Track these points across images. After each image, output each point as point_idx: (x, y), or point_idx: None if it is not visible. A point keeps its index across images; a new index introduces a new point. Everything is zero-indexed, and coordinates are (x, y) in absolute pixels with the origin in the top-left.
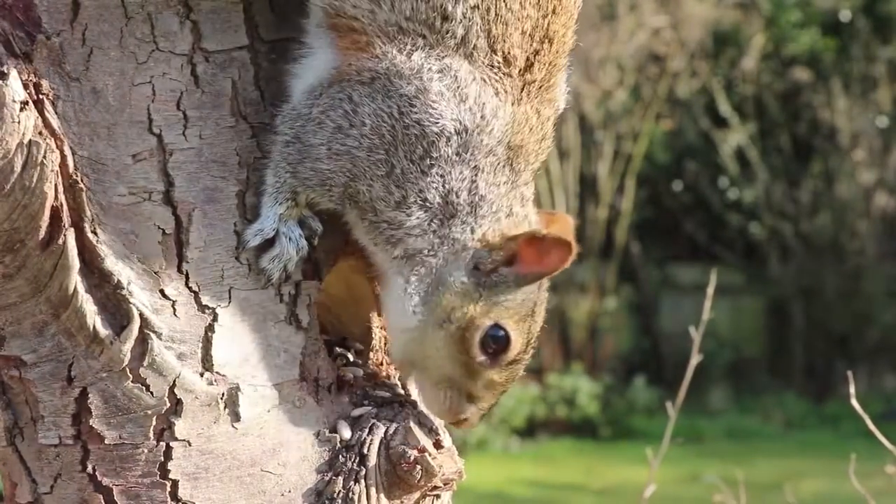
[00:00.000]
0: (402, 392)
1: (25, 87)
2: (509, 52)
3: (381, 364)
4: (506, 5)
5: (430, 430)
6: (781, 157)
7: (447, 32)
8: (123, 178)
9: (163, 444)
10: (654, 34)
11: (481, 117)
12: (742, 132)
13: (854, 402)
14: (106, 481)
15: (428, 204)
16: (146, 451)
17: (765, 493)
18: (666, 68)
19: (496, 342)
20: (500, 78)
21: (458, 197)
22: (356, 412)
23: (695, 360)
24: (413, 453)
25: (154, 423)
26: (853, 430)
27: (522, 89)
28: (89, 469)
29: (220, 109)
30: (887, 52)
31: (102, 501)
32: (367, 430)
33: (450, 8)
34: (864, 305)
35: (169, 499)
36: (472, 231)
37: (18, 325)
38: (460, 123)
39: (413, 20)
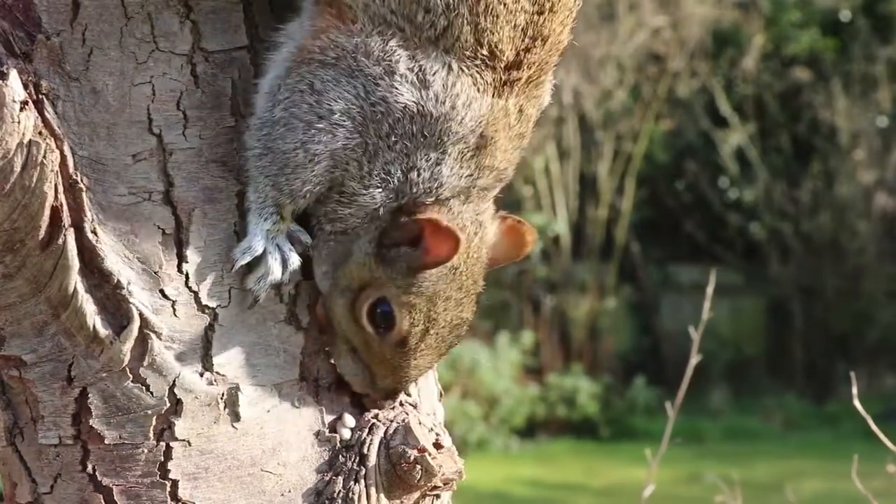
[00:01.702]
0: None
1: (25, 86)
2: (496, 46)
3: None
4: None
5: (430, 430)
6: (781, 157)
7: (429, 25)
8: (123, 178)
9: (163, 444)
10: (653, 34)
11: (451, 107)
12: (742, 132)
13: (856, 403)
14: (106, 481)
15: (389, 179)
16: (146, 451)
17: (765, 494)
18: (666, 68)
19: (383, 319)
20: (482, 70)
21: (418, 176)
22: (356, 412)
23: (695, 360)
24: (413, 453)
25: (154, 422)
26: (853, 431)
27: (506, 84)
28: (89, 469)
29: (220, 109)
30: (887, 52)
31: (102, 501)
32: (366, 430)
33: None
34: (864, 305)
35: (169, 499)
36: (387, 203)
37: (18, 324)
38: (424, 108)
39: (397, 13)
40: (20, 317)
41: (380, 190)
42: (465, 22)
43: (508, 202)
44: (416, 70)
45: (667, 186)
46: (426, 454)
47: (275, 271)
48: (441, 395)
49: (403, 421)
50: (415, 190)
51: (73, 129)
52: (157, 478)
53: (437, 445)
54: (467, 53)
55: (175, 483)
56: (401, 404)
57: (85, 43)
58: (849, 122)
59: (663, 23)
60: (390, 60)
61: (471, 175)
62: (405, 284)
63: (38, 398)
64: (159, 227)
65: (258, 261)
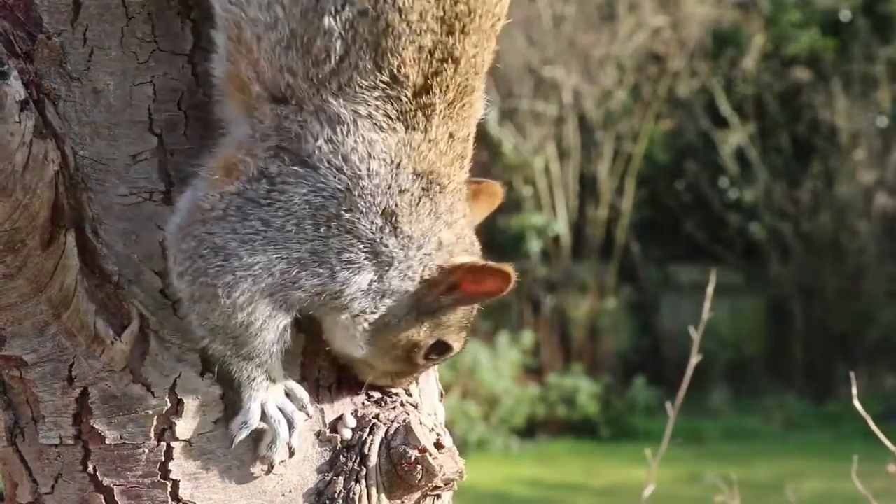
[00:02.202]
0: (402, 392)
1: (26, 86)
2: (399, 71)
3: None
4: (400, 15)
5: (431, 430)
6: (781, 157)
7: (324, 56)
8: (124, 178)
9: (163, 444)
10: (654, 34)
11: (351, 172)
12: (742, 132)
13: (856, 403)
14: (107, 481)
15: (354, 264)
16: (147, 451)
17: (765, 494)
18: (666, 68)
19: (439, 352)
20: (384, 102)
21: (385, 246)
22: (357, 412)
23: (695, 360)
24: (414, 453)
25: (155, 423)
26: (853, 431)
27: (418, 113)
28: (90, 469)
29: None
30: (887, 52)
31: (103, 501)
32: (367, 431)
33: (327, 21)
34: (864, 305)
35: (170, 499)
36: (411, 279)
37: (19, 325)
38: (324, 192)
39: (294, 58)
40: (21, 317)
41: (352, 275)
42: (365, 44)
43: (509, 202)
44: (294, 160)
45: (667, 186)
46: (427, 454)
47: (282, 434)
48: (442, 395)
49: (404, 421)
50: (394, 255)
51: (74, 128)
52: (158, 478)
53: (438, 445)
54: (366, 83)
55: (176, 483)
56: (401, 404)
57: (86, 43)
58: (849, 122)
59: (663, 23)
60: (266, 168)
61: (430, 212)
62: (454, 319)
63: (38, 398)
64: (160, 227)
65: (260, 430)
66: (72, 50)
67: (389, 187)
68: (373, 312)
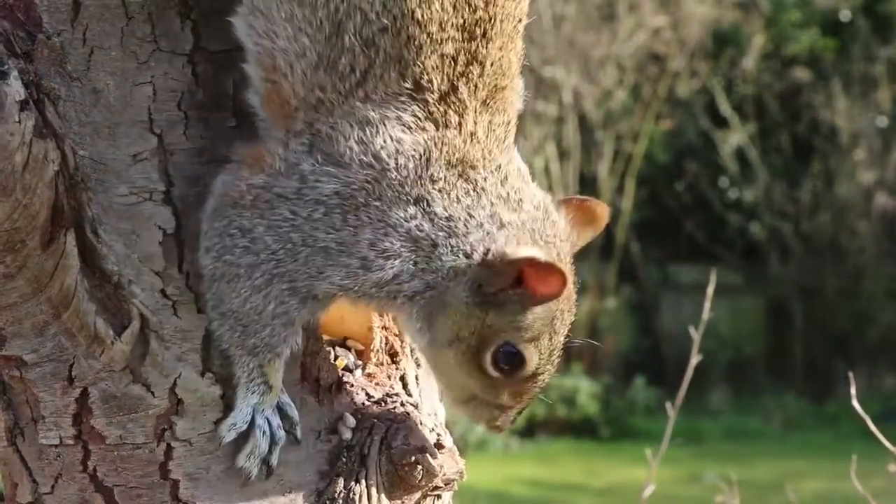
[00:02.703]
0: (402, 392)
1: (26, 86)
2: (421, 78)
3: (382, 364)
4: (420, 28)
5: (431, 430)
6: (781, 157)
7: (349, 70)
8: (124, 178)
9: (164, 443)
10: (654, 34)
11: (379, 162)
12: (742, 132)
13: (855, 403)
14: (107, 481)
15: (389, 252)
16: (147, 451)
17: (765, 494)
18: (666, 68)
19: (509, 361)
20: (410, 106)
21: (420, 231)
22: (357, 412)
23: (695, 360)
24: (414, 453)
25: (155, 422)
26: (853, 431)
27: (448, 112)
28: (90, 469)
29: (221, 109)
30: (887, 52)
31: (103, 501)
32: (367, 431)
33: (348, 40)
34: (864, 305)
35: (170, 499)
36: (466, 255)
37: (19, 325)
38: (350, 184)
39: (321, 71)
40: (21, 317)
41: (395, 261)
42: (388, 57)
43: None
44: (322, 156)
45: (667, 186)
46: (427, 454)
47: (262, 447)
48: (441, 395)
49: (404, 421)
50: (438, 237)
51: (74, 128)
52: (158, 478)
53: (438, 445)
54: (391, 91)
55: (176, 483)
56: (402, 405)
57: (86, 43)
58: (849, 122)
59: (663, 23)
60: (299, 164)
61: (471, 191)
62: (524, 323)
63: (38, 398)
64: (160, 227)
65: (245, 436)
66: (72, 50)
67: (420, 178)
68: (429, 289)
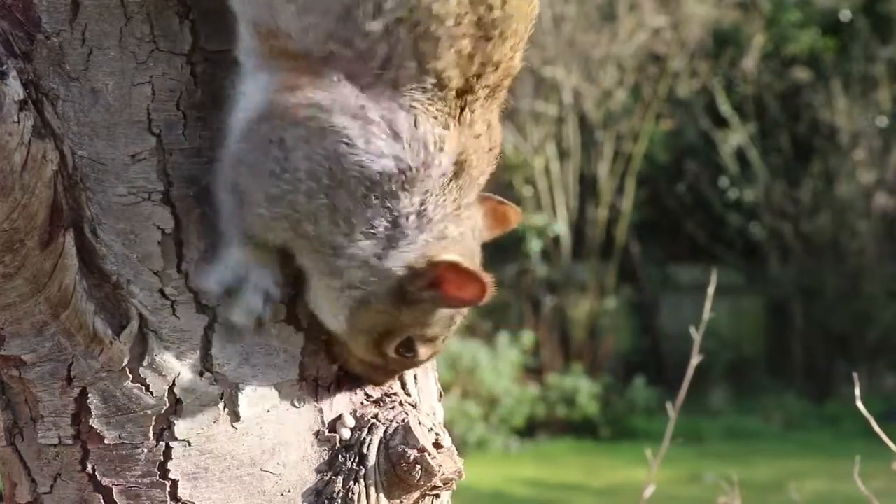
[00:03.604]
0: (401, 392)
1: (25, 86)
2: (442, 73)
3: None
4: (438, 20)
5: (430, 430)
6: (781, 157)
7: (370, 55)
8: (123, 178)
9: (162, 443)
10: (654, 34)
11: (426, 153)
12: (742, 132)
13: (858, 403)
14: (105, 481)
15: (374, 231)
16: (146, 450)
17: (765, 494)
18: (666, 68)
19: (408, 350)
20: (434, 101)
21: (407, 220)
22: (355, 412)
23: (695, 360)
24: (413, 453)
25: (154, 422)
26: (853, 431)
27: (464, 110)
28: (89, 469)
29: (219, 109)
30: (887, 52)
31: (102, 501)
32: (366, 430)
33: (368, 24)
34: (864, 305)
35: (168, 499)
36: (402, 261)
37: (18, 324)
38: (402, 161)
39: (335, 39)
40: (20, 317)
41: (367, 241)
42: (406, 48)
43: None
44: (386, 118)
45: (667, 186)
46: (426, 454)
47: (255, 303)
48: (441, 395)
49: (403, 421)
50: (407, 233)
51: (72, 128)
52: (157, 478)
53: (437, 445)
54: (414, 85)
55: (175, 483)
56: (400, 404)
57: (85, 43)
58: (849, 122)
59: (664, 23)
60: (364, 113)
61: (454, 200)
62: (429, 321)
63: (37, 398)
64: (159, 227)
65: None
66: (70, 50)
67: (434, 176)
68: (360, 287)
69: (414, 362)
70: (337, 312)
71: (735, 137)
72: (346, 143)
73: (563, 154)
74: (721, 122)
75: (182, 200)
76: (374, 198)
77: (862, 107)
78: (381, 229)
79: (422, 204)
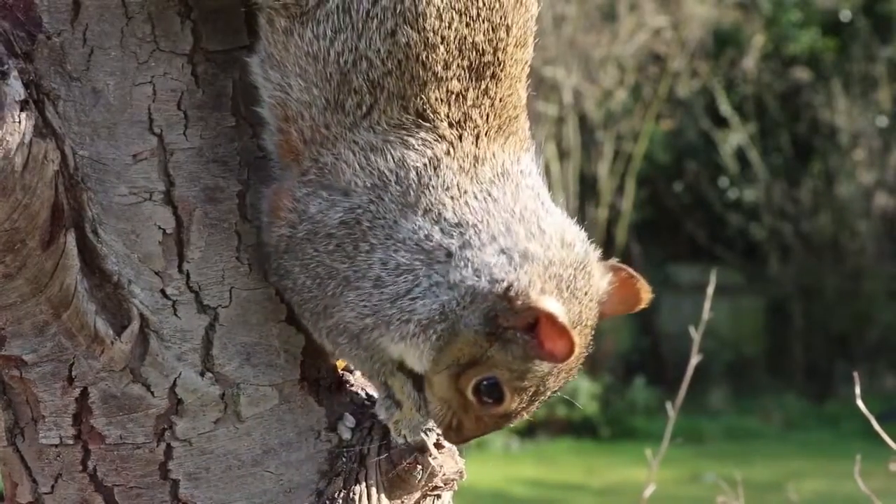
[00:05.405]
0: None
1: (26, 86)
2: (425, 109)
3: None
4: (425, 69)
5: (431, 430)
6: (781, 157)
7: (356, 106)
8: (124, 178)
9: (163, 443)
10: (654, 34)
11: (382, 182)
12: (742, 132)
13: (859, 403)
14: (107, 481)
15: (404, 265)
16: (147, 450)
17: (765, 494)
18: (666, 68)
19: (490, 395)
20: (417, 132)
21: (430, 241)
22: (357, 412)
23: (695, 360)
24: (414, 453)
25: (155, 422)
26: (853, 430)
27: (462, 133)
28: (90, 469)
29: (220, 109)
30: (887, 52)
31: (103, 501)
32: (367, 431)
33: (356, 81)
34: (864, 305)
35: (170, 499)
36: (490, 280)
37: (19, 324)
38: (357, 209)
39: (330, 104)
40: (21, 317)
41: (407, 274)
42: (391, 95)
43: None
44: (328, 191)
45: (667, 186)
46: (427, 454)
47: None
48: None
49: None
50: (444, 242)
51: (73, 128)
52: (158, 478)
53: (438, 445)
54: (393, 122)
55: (176, 483)
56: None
57: (86, 43)
58: (849, 122)
59: (664, 23)
60: (305, 208)
61: (488, 198)
62: (520, 370)
63: (38, 398)
64: (160, 227)
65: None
66: (71, 50)
67: (426, 186)
68: (443, 318)
69: (496, 413)
70: (424, 356)
71: (735, 137)
72: (310, 238)
73: (563, 154)
74: (721, 122)
75: (183, 200)
76: (360, 243)
77: (862, 107)
78: (412, 258)
79: (434, 220)
